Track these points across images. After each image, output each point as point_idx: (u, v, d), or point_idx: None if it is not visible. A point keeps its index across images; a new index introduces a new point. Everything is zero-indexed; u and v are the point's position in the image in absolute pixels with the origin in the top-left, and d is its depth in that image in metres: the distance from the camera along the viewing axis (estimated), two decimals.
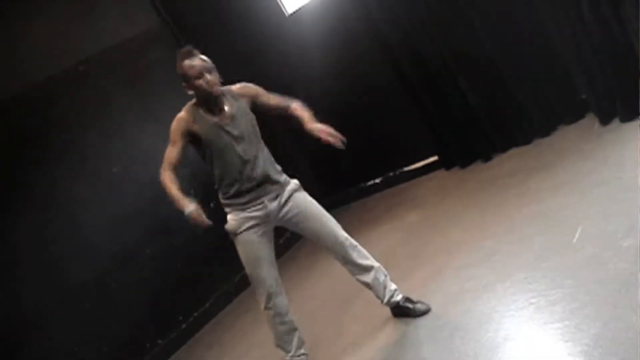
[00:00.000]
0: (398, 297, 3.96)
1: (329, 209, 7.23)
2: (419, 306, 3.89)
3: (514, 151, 5.57)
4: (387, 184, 6.91)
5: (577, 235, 3.57)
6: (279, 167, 3.84)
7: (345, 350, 4.12)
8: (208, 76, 3.55)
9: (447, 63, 5.56)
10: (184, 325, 6.28)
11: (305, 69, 6.79)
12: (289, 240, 7.08)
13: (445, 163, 6.20)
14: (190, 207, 3.46)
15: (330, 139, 3.80)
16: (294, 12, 6.60)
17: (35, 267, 5.59)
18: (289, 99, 3.92)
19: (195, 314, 6.35)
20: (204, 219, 3.47)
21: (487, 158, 5.76)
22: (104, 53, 6.35)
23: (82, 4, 6.29)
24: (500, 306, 3.45)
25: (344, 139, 3.82)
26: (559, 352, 2.81)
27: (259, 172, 3.65)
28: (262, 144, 3.80)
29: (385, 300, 3.94)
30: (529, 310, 3.24)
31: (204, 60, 3.58)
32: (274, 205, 3.72)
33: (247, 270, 3.80)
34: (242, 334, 5.44)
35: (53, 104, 5.97)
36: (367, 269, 3.91)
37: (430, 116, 5.95)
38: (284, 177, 3.83)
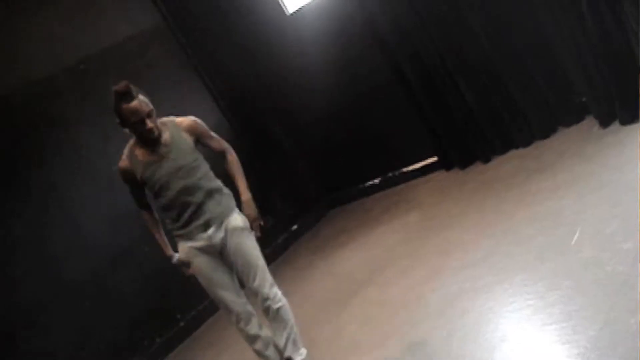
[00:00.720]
0: None
1: (328, 209, 7.27)
2: None
3: (513, 153, 5.57)
4: (386, 185, 6.91)
5: (575, 237, 3.57)
6: (223, 197, 3.77)
7: (344, 350, 4.13)
8: (149, 123, 3.48)
9: (446, 64, 5.56)
10: (182, 323, 6.28)
11: (305, 69, 6.79)
12: (286, 240, 7.10)
13: (445, 164, 6.20)
14: (175, 257, 3.82)
15: (252, 227, 3.81)
16: (295, 12, 6.60)
17: (33, 264, 5.59)
18: (225, 146, 3.87)
19: (194, 312, 6.35)
20: (185, 270, 3.81)
21: (486, 159, 5.77)
22: (105, 51, 6.35)
23: (83, 3, 6.30)
24: (498, 307, 3.45)
25: (259, 234, 3.85)
26: (557, 354, 2.82)
27: (199, 202, 3.64)
28: (205, 172, 3.72)
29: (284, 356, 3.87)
30: (527, 312, 3.24)
31: (143, 103, 3.47)
32: (219, 236, 3.70)
33: (210, 295, 3.84)
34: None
35: (53, 101, 5.97)
36: (279, 329, 3.84)
37: (429, 117, 5.95)
38: (227, 206, 3.77)
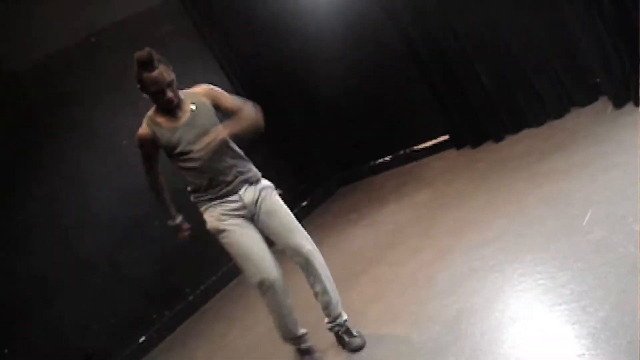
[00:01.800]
0: (338, 328, 3.87)
1: (338, 186, 7.25)
2: (355, 339, 3.82)
3: (526, 132, 5.55)
4: (397, 163, 6.91)
5: (587, 218, 3.56)
6: (249, 164, 3.78)
7: (352, 327, 4.13)
8: (168, 92, 3.47)
9: (460, 43, 5.53)
10: (191, 297, 6.32)
11: (317, 46, 6.76)
12: (296, 216, 7.10)
13: (456, 143, 6.18)
14: (177, 219, 3.90)
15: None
16: None
17: (45, 239, 5.63)
18: (245, 102, 3.80)
19: (202, 287, 6.39)
20: (184, 235, 3.91)
21: (498, 138, 5.75)
22: (117, 25, 6.33)
23: None
24: (508, 287, 3.45)
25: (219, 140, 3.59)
26: (566, 334, 2.82)
27: (227, 165, 3.62)
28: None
29: (330, 325, 3.88)
30: (537, 292, 3.24)
31: (164, 73, 3.45)
32: (248, 196, 3.68)
33: (238, 260, 3.74)
34: (250, 306, 5.46)
35: (64, 76, 5.97)
36: (326, 290, 3.84)
37: (442, 95, 5.92)
38: (254, 171, 3.78)
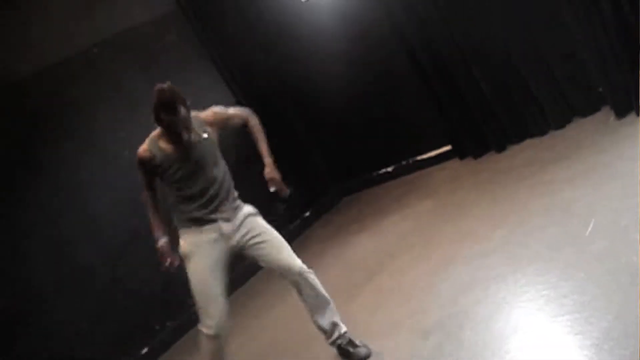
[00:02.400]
0: (341, 340, 3.82)
1: (341, 196, 7.26)
2: (360, 350, 3.79)
3: (528, 142, 5.55)
4: (399, 173, 6.90)
5: (589, 228, 3.56)
6: (236, 193, 3.81)
7: (355, 337, 4.12)
8: (184, 133, 3.51)
9: (462, 52, 5.53)
10: (193, 308, 6.28)
11: (320, 55, 6.77)
12: (298, 227, 7.09)
13: (459, 152, 6.18)
14: (161, 241, 3.69)
15: (276, 189, 3.83)
16: None
17: (46, 247, 5.62)
18: (245, 115, 3.90)
19: None
20: (170, 257, 3.69)
21: (501, 148, 5.74)
22: (119, 36, 6.35)
23: None
24: (511, 297, 3.45)
25: (287, 191, 3.85)
26: (569, 345, 2.81)
27: (216, 200, 3.65)
28: (222, 169, 3.74)
29: (331, 340, 3.84)
30: (540, 302, 3.23)
31: (183, 115, 3.46)
32: (229, 228, 3.69)
33: (195, 296, 3.74)
34: (253, 317, 5.46)
35: (66, 85, 5.98)
36: (321, 306, 3.82)
37: (444, 105, 5.93)
38: (238, 201, 3.80)
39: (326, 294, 3.84)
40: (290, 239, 6.76)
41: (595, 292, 3.00)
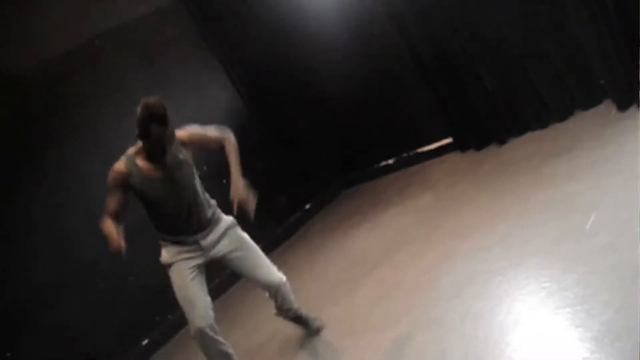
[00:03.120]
0: (293, 311, 4.13)
1: (342, 189, 7.27)
2: (315, 319, 4.17)
3: (529, 135, 5.54)
4: (401, 166, 6.90)
5: (591, 222, 3.55)
6: (213, 202, 3.86)
7: (356, 330, 4.14)
8: (167, 149, 3.51)
9: (464, 45, 5.52)
10: None
11: (322, 49, 6.76)
12: (299, 219, 7.10)
13: (460, 145, 6.17)
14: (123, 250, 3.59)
15: (244, 207, 3.79)
16: None
17: (47, 243, 5.62)
18: (221, 137, 3.91)
19: None
20: (118, 241, 3.61)
21: (502, 141, 5.74)
22: (120, 29, 6.33)
23: None
24: (512, 290, 3.45)
25: (252, 210, 3.80)
26: (570, 338, 2.81)
27: (192, 219, 3.71)
28: (198, 188, 3.76)
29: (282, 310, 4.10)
30: (541, 295, 3.24)
31: (169, 129, 3.44)
32: (207, 241, 3.78)
33: (180, 302, 3.86)
34: (251, 310, 5.47)
35: (68, 79, 5.97)
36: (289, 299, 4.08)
37: (445, 98, 5.92)
38: (217, 214, 3.84)
39: (293, 300, 4.08)
40: (290, 231, 6.85)
41: (597, 285, 3.00)
